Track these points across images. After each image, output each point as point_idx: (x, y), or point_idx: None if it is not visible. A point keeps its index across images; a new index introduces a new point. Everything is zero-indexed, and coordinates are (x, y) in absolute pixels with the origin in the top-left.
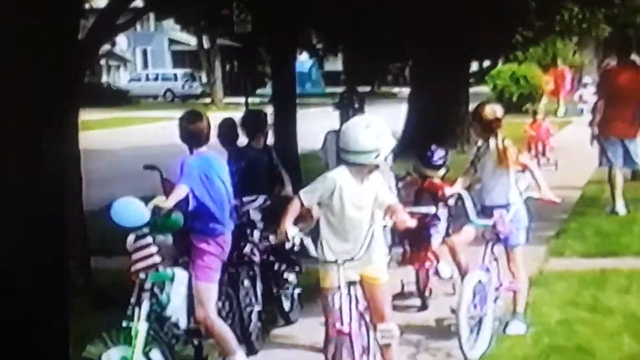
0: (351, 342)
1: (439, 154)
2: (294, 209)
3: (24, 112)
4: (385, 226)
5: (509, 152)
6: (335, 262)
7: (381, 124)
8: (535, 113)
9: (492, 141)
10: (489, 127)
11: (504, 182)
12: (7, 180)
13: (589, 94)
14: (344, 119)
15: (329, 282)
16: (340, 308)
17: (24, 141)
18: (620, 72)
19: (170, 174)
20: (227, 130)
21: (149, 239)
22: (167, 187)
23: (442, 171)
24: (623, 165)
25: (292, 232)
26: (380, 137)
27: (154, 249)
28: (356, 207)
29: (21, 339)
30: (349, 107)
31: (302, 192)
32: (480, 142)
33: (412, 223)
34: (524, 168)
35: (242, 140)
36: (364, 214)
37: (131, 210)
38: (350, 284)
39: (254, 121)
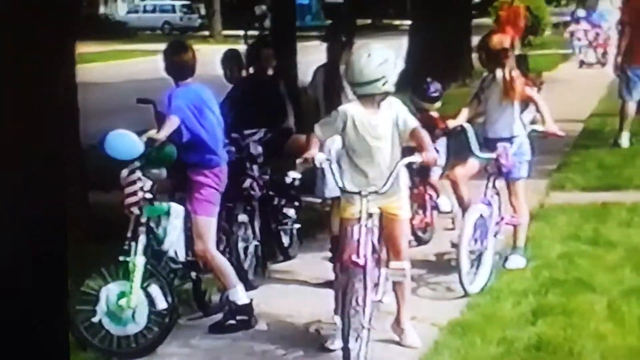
0: (364, 275)
1: (434, 86)
2: (315, 139)
3: (19, 45)
4: (414, 163)
5: (517, 83)
6: (359, 193)
7: (384, 50)
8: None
9: (498, 72)
10: (496, 58)
11: (509, 114)
12: (3, 116)
13: (581, 29)
14: (332, 53)
15: (349, 212)
16: (359, 240)
17: (20, 75)
18: None
19: (164, 107)
20: (231, 61)
21: (138, 174)
22: (161, 120)
23: (438, 104)
24: None
25: (320, 157)
26: (384, 63)
27: (142, 183)
28: (373, 137)
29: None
30: (335, 40)
31: (316, 126)
32: (485, 74)
33: (441, 161)
34: (530, 100)
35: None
36: (383, 144)
37: (125, 143)
38: (369, 215)
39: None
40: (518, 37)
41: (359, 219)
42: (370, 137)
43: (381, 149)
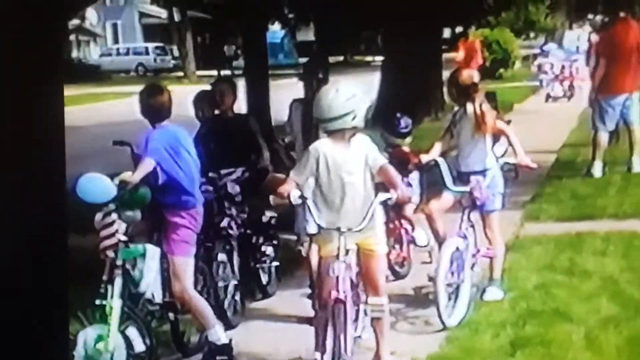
0: (345, 310)
1: (405, 122)
2: (292, 179)
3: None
4: (390, 199)
5: (487, 116)
6: (338, 229)
7: (351, 86)
8: None
9: (469, 106)
10: (466, 92)
11: (481, 147)
12: None
13: (548, 63)
14: (309, 89)
15: (327, 250)
16: (338, 276)
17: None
18: (617, 28)
19: (141, 149)
20: (203, 101)
21: (114, 216)
22: (138, 162)
23: (409, 139)
24: (620, 123)
25: (295, 194)
26: (351, 98)
27: (118, 226)
28: (345, 173)
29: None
30: (312, 77)
31: (292, 173)
32: (456, 108)
33: (415, 199)
34: (501, 133)
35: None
36: (356, 179)
37: (97, 186)
38: (347, 252)
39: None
40: (477, 70)
41: (337, 256)
42: (343, 172)
43: (354, 184)
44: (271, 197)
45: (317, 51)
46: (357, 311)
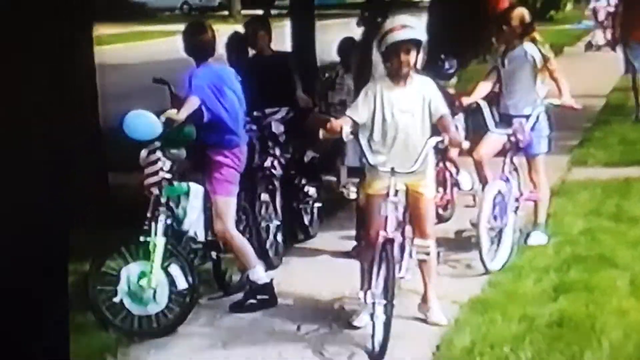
0: (393, 250)
1: (449, 63)
2: (347, 118)
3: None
4: (442, 141)
5: (551, 58)
6: (391, 170)
7: (414, 21)
8: None
9: (528, 46)
10: (519, 32)
11: (528, 89)
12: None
13: (604, 7)
14: (367, 30)
15: (375, 188)
16: (387, 215)
17: (39, 57)
18: None
19: (181, 88)
20: (237, 43)
21: (159, 154)
22: (176, 102)
23: (453, 80)
24: None
25: (347, 130)
26: (416, 33)
27: (162, 164)
28: (399, 111)
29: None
30: (372, 21)
31: (348, 111)
32: (504, 48)
33: (465, 145)
34: (553, 77)
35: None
36: (409, 119)
37: (143, 123)
38: (396, 192)
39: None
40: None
41: (387, 195)
42: (397, 111)
43: (408, 124)
44: (321, 132)
45: None
46: (402, 252)
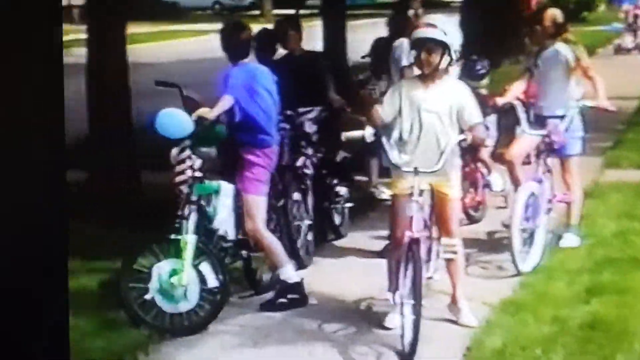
0: (417, 250)
1: (480, 64)
2: (377, 111)
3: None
4: (465, 140)
5: (584, 58)
6: (415, 170)
7: (447, 23)
8: None
9: (560, 46)
10: (552, 32)
11: (563, 90)
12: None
13: (632, 10)
14: (394, 26)
15: (399, 188)
16: (412, 215)
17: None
18: None
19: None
20: (265, 41)
21: (190, 152)
22: (189, 105)
23: (485, 81)
24: None
25: (369, 131)
26: (448, 34)
27: (193, 162)
28: (425, 111)
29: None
30: (402, 18)
31: (377, 107)
32: (537, 48)
33: (490, 142)
34: (588, 77)
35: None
36: (436, 119)
37: (175, 121)
38: (421, 192)
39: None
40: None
41: (411, 195)
42: (422, 110)
43: (433, 124)
44: (343, 135)
45: None
46: (430, 252)
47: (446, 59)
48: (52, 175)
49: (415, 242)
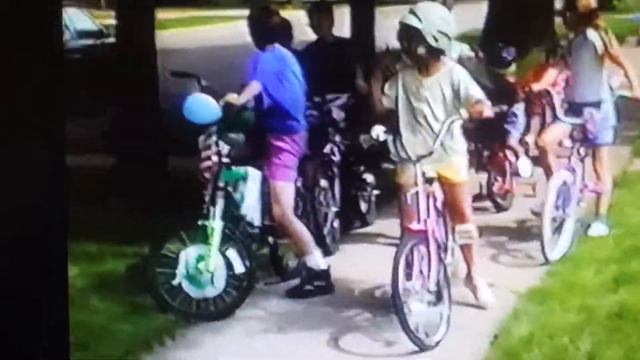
0: (427, 240)
1: (507, 51)
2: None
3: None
4: (458, 118)
5: (613, 44)
6: (410, 158)
7: (431, 7)
8: None
9: (590, 33)
10: (584, 18)
11: (597, 78)
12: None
13: None
14: None
15: (404, 178)
16: (417, 206)
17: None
18: None
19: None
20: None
21: (216, 138)
22: (208, 93)
23: (512, 68)
24: None
25: (380, 129)
26: (424, 20)
27: (220, 148)
28: (416, 99)
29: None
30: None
31: (382, 90)
32: (571, 35)
33: (489, 112)
34: (618, 64)
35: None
36: (427, 107)
37: (203, 107)
38: (427, 181)
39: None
40: None
41: (415, 184)
42: (413, 98)
43: (424, 112)
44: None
45: None
46: (446, 239)
47: (427, 46)
48: (52, 175)
49: (422, 232)
